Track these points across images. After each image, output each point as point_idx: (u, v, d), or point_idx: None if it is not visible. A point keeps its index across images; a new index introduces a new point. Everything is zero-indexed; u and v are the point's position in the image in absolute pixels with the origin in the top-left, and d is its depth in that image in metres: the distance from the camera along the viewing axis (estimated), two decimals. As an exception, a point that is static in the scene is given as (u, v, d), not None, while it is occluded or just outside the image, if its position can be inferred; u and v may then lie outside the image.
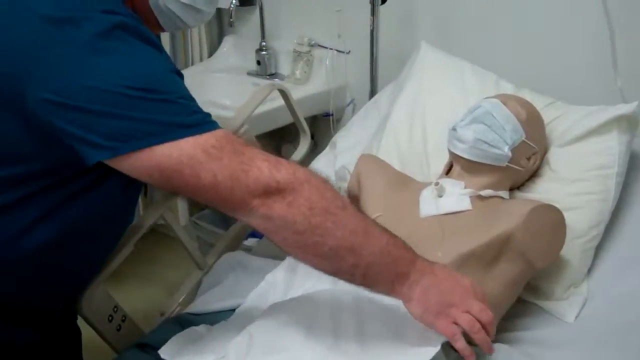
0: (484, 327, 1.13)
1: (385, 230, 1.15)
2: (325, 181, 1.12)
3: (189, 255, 1.68)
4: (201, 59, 2.55)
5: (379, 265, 1.11)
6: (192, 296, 1.66)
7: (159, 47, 1.12)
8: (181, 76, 1.15)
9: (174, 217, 1.64)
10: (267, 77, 2.43)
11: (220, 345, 1.27)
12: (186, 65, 2.52)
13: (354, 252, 1.10)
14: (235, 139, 1.08)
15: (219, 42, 2.61)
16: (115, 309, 1.53)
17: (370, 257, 1.10)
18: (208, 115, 1.11)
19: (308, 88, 2.33)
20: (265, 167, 1.06)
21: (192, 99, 1.10)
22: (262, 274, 1.57)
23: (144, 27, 1.12)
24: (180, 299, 1.65)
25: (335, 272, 1.14)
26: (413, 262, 1.14)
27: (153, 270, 2.56)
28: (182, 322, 1.50)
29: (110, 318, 1.52)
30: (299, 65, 2.37)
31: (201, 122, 1.07)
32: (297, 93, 2.12)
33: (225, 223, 2.42)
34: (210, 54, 2.58)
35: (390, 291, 1.14)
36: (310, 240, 1.08)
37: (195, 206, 2.63)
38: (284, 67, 2.46)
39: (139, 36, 1.08)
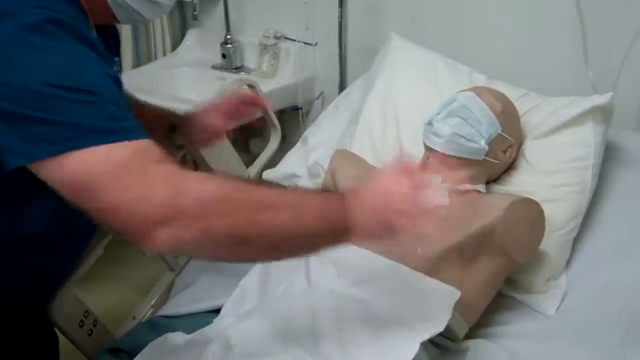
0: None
1: (316, 197, 1.08)
2: (239, 188, 1.02)
3: (160, 257, 1.64)
4: (164, 53, 2.49)
5: (320, 237, 1.05)
6: (164, 298, 1.63)
7: (96, 48, 1.04)
8: (119, 83, 1.09)
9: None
10: (233, 70, 2.38)
11: (198, 353, 1.24)
12: (149, 60, 2.46)
13: (292, 239, 1.03)
14: (151, 155, 0.97)
15: (182, 35, 2.56)
16: (86, 314, 1.49)
17: (310, 237, 1.04)
18: (134, 124, 1.00)
19: (275, 81, 2.29)
20: (167, 193, 0.95)
21: (123, 107, 1.01)
22: (235, 275, 1.53)
23: (82, 26, 1.04)
24: (152, 302, 1.61)
25: (284, 258, 1.09)
26: (346, 214, 1.05)
27: (122, 271, 2.51)
28: (155, 325, 1.47)
29: (81, 323, 1.48)
30: (265, 59, 2.33)
31: (122, 130, 0.97)
32: (264, 87, 2.07)
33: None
34: (174, 48, 2.52)
35: (336, 242, 1.08)
36: (242, 253, 1.03)
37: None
38: (250, 60, 2.42)
39: (73, 33, 1.00)
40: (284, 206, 1.02)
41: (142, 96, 2.19)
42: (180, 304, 1.52)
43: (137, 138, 0.97)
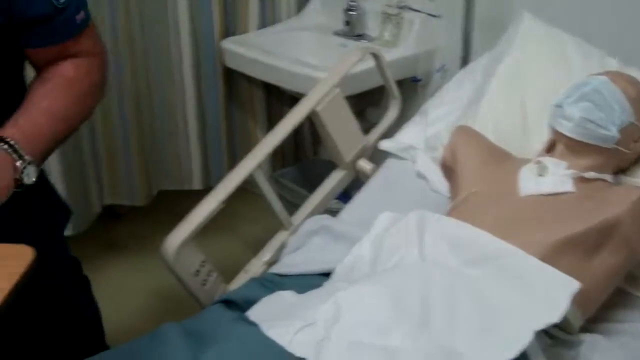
0: None
1: None
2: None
3: (275, 215, 1.68)
4: (289, 16, 2.52)
5: None
6: (276, 256, 1.67)
7: None
8: None
9: (262, 175, 1.63)
10: (355, 38, 2.39)
11: (308, 312, 1.27)
12: (273, 22, 2.49)
13: None
14: None
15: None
16: (203, 264, 1.55)
17: None
18: None
19: (396, 51, 2.28)
20: None
21: None
22: (347, 240, 1.55)
23: None
24: (265, 259, 1.65)
25: None
26: None
27: (235, 225, 2.59)
28: (267, 282, 1.51)
29: (197, 272, 1.54)
30: (387, 28, 2.32)
31: None
32: (385, 56, 2.08)
33: (307, 181, 2.42)
34: (298, 11, 2.54)
35: None
36: None
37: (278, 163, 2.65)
38: (372, 29, 2.41)
39: None
40: None
41: (265, 58, 2.24)
42: (292, 264, 1.56)
43: None
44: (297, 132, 2.66)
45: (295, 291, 1.41)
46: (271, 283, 1.51)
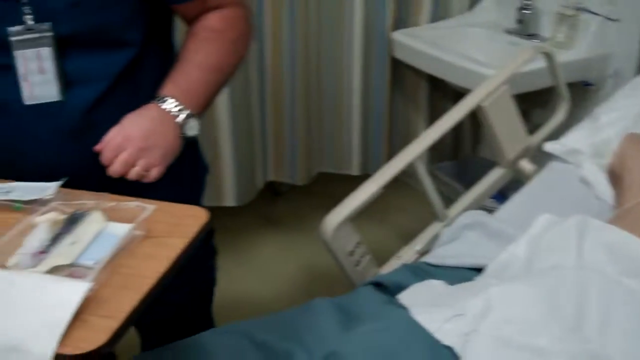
0: None
1: None
2: None
3: (431, 206, 1.71)
4: (461, 12, 2.52)
5: None
6: (428, 246, 1.70)
7: None
8: None
9: (422, 165, 1.66)
10: (526, 37, 2.36)
11: (458, 304, 1.29)
12: (445, 17, 2.51)
13: None
14: None
15: (482, -4, 2.57)
16: (358, 245, 1.61)
17: None
18: None
19: (569, 53, 2.24)
20: None
21: None
22: (502, 238, 1.56)
23: None
24: (418, 248, 1.69)
25: None
26: None
27: (386, 212, 2.64)
28: (418, 270, 1.54)
29: (351, 253, 1.60)
30: (562, 29, 2.27)
31: None
32: (557, 57, 2.05)
33: (463, 177, 2.43)
34: (471, 7, 2.54)
35: None
36: None
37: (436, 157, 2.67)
38: (545, 29, 2.37)
39: None
40: None
41: (433, 51, 2.26)
42: (444, 256, 1.58)
43: None
44: (458, 128, 2.67)
45: (445, 282, 1.44)
46: (422, 271, 1.54)
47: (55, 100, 1.28)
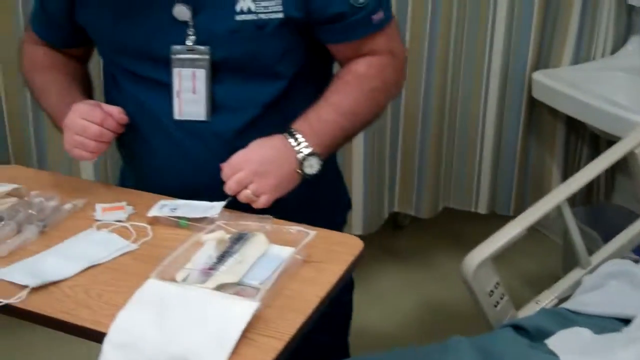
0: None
1: (57, 92, 1.45)
2: (33, 66, 1.52)
3: (574, 252, 1.67)
4: (603, 55, 2.47)
5: (54, 123, 1.47)
6: (568, 292, 1.66)
7: None
8: None
9: (568, 208, 1.64)
10: (673, 83, 2.29)
11: (608, 355, 1.26)
12: (587, 60, 2.46)
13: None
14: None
15: (625, 40, 2.51)
16: (497, 286, 1.59)
17: (50, 117, 1.50)
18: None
19: None
20: None
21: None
22: (651, 290, 1.51)
23: None
24: (557, 293, 1.66)
25: None
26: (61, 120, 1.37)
27: (511, 255, 2.61)
28: (559, 315, 1.51)
29: (491, 293, 1.58)
30: None
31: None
32: None
33: (596, 224, 2.36)
34: (613, 51, 2.49)
35: None
36: None
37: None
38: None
39: None
40: (37, 90, 1.49)
41: (577, 93, 2.22)
42: (587, 303, 1.54)
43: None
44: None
45: (591, 330, 1.41)
46: (562, 317, 1.51)
47: (201, 119, 1.34)
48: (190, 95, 1.33)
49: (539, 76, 2.37)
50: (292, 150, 1.29)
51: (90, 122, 1.31)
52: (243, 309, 1.01)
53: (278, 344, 0.99)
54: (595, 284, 1.61)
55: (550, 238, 2.81)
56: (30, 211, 1.29)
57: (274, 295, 1.07)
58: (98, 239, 1.24)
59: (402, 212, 2.71)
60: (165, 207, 1.30)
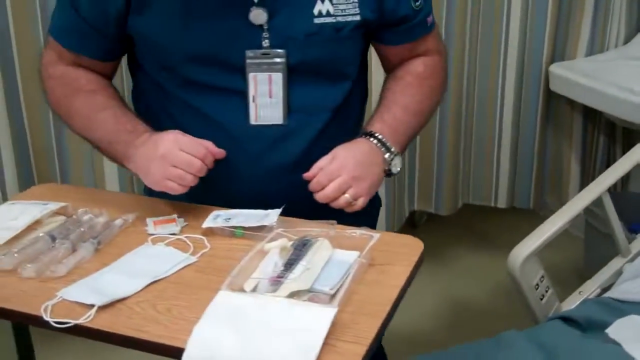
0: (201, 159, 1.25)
1: (112, 117, 1.35)
2: (64, 91, 1.39)
3: (615, 241, 1.68)
4: (616, 45, 2.49)
5: (106, 148, 1.37)
6: (611, 281, 1.67)
7: None
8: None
9: (609, 198, 1.64)
10: (688, 70, 2.30)
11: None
12: (601, 51, 2.47)
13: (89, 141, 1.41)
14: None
15: (637, 30, 2.52)
16: (542, 279, 1.59)
17: (101, 148, 1.39)
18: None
19: None
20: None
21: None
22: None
23: None
24: (601, 282, 1.66)
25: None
26: (128, 144, 1.31)
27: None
28: (605, 305, 1.51)
29: (536, 286, 1.58)
30: None
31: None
32: None
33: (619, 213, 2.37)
34: (626, 41, 2.50)
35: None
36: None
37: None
38: None
39: None
40: (82, 117, 1.37)
41: (597, 85, 2.23)
42: (633, 291, 1.55)
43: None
44: (610, 162, 2.62)
45: (641, 317, 1.41)
46: (610, 307, 1.51)
47: (279, 123, 1.33)
48: (266, 99, 1.31)
49: (555, 69, 2.38)
50: (380, 152, 1.33)
51: (193, 156, 1.25)
52: (322, 316, 1.00)
53: (360, 349, 0.98)
54: (637, 272, 1.62)
55: (569, 231, 2.83)
56: (81, 229, 1.27)
57: (346, 300, 1.07)
58: (156, 253, 1.22)
59: (418, 211, 2.71)
60: (219, 217, 1.28)
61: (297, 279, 1.10)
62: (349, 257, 1.15)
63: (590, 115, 2.50)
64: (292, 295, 1.07)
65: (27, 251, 1.20)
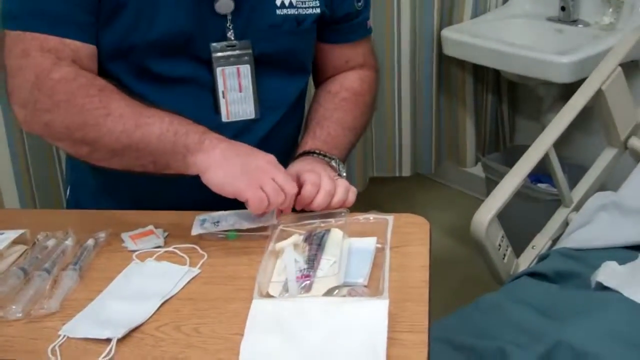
0: (286, 196, 1.12)
1: (162, 111, 1.13)
2: (90, 92, 1.11)
3: (559, 192, 1.73)
4: (496, 6, 2.56)
5: (162, 149, 1.11)
6: (559, 232, 1.73)
7: None
8: None
9: (554, 153, 1.68)
10: (570, 23, 2.42)
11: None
12: (484, 12, 2.54)
13: (131, 149, 1.11)
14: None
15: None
16: (502, 239, 1.61)
17: (150, 146, 1.11)
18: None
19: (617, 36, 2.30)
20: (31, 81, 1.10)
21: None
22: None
23: None
24: (551, 234, 1.71)
25: (126, 168, 1.16)
26: (205, 132, 1.13)
27: (425, 211, 2.65)
28: (568, 255, 1.57)
29: (499, 247, 1.61)
30: (608, 12, 2.34)
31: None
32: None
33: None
34: (504, 2, 2.58)
35: (185, 168, 1.12)
36: (80, 152, 1.15)
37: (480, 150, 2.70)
38: (587, 14, 2.42)
39: None
40: (121, 117, 1.10)
41: (480, 42, 2.28)
42: (588, 239, 1.61)
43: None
44: (500, 119, 2.71)
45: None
46: (571, 257, 1.57)
47: (251, 118, 1.27)
48: (236, 94, 1.23)
49: (447, 33, 2.41)
50: (326, 163, 1.27)
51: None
52: (377, 309, 0.94)
53: (422, 338, 0.94)
54: (585, 220, 1.68)
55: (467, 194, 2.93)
56: (53, 256, 1.12)
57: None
58: (151, 271, 1.10)
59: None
60: (206, 222, 1.18)
61: (327, 274, 1.03)
62: (368, 244, 1.10)
63: (479, 76, 2.57)
64: (329, 292, 1.00)
65: (1, 290, 1.04)
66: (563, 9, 2.43)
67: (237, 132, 1.25)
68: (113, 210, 1.27)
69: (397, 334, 0.93)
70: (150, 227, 1.20)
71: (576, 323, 1.26)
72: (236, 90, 1.24)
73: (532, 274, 1.54)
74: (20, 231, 1.17)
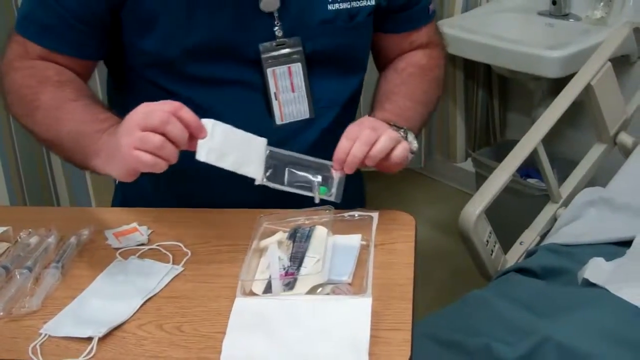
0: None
1: (89, 108, 1.13)
2: (30, 83, 1.15)
3: (548, 188, 1.73)
4: (488, 0, 2.56)
5: (72, 148, 1.12)
6: (548, 228, 1.72)
7: None
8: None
9: (542, 148, 1.68)
10: (561, 17, 2.41)
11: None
12: (476, 5, 2.53)
13: (54, 142, 1.15)
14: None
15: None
16: (490, 234, 1.61)
17: (64, 144, 1.13)
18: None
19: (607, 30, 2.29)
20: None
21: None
22: (629, 210, 1.60)
23: None
24: (539, 230, 1.71)
25: (66, 160, 1.18)
26: (101, 130, 1.07)
27: (416, 208, 2.65)
28: (556, 251, 1.57)
29: (486, 242, 1.60)
30: (598, 6, 2.34)
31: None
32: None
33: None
34: (497, -6, 2.58)
35: (95, 169, 1.10)
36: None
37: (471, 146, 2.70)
38: (578, 8, 2.42)
39: None
40: (46, 110, 1.14)
41: (472, 36, 2.28)
42: (577, 234, 1.61)
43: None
44: (490, 114, 2.71)
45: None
46: (560, 252, 1.57)
47: (307, 118, 1.23)
48: (289, 94, 1.20)
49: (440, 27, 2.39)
50: (397, 133, 1.13)
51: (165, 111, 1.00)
52: (360, 307, 0.94)
53: (405, 335, 0.93)
54: (573, 216, 1.68)
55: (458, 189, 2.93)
56: (36, 253, 1.11)
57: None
58: (134, 268, 1.09)
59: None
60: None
61: (311, 272, 1.02)
62: (353, 241, 1.09)
63: (470, 71, 2.57)
64: (313, 290, 0.99)
65: (-19, 289, 1.03)
66: (554, 3, 2.43)
67: (290, 134, 1.22)
68: (97, 208, 1.27)
69: (381, 332, 0.93)
70: (134, 224, 1.19)
71: (563, 319, 1.26)
72: (289, 91, 1.20)
73: (519, 270, 1.54)
74: (3, 228, 1.16)
